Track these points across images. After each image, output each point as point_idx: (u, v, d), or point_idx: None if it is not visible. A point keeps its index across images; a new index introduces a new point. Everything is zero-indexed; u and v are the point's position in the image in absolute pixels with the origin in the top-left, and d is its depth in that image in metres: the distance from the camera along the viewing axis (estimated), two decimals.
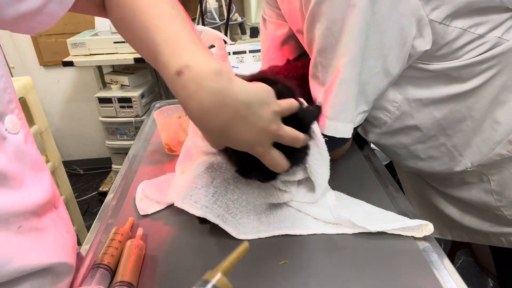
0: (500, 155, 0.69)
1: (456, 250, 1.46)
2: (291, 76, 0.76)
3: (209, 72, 0.44)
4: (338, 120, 0.65)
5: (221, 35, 0.81)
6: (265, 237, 0.58)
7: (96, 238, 0.62)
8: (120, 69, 2.33)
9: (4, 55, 0.45)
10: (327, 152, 0.64)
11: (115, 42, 2.11)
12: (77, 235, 0.54)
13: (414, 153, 0.77)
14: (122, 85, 2.23)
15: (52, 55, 2.51)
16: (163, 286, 0.52)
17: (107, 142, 2.30)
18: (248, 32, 2.05)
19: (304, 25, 0.64)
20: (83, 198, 2.55)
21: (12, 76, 1.55)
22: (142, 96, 2.20)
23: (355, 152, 0.83)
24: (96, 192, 2.58)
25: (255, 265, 0.53)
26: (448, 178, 0.79)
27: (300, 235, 0.59)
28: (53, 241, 0.44)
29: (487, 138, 0.70)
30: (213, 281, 0.31)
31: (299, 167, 0.62)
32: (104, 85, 2.31)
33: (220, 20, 1.95)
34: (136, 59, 2.07)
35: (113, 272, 0.52)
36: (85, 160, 2.90)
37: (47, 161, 1.62)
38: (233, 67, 1.38)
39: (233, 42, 1.97)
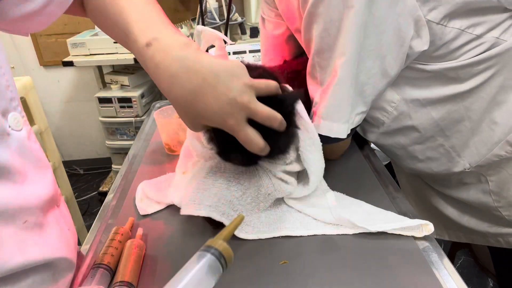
0: (498, 156, 0.69)
1: (456, 250, 1.46)
2: (283, 72, 0.76)
3: (177, 43, 0.47)
4: (333, 120, 0.65)
5: (221, 35, 0.81)
6: (265, 238, 0.58)
7: (96, 238, 0.62)
8: (120, 69, 2.33)
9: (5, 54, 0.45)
10: (318, 137, 0.63)
11: (115, 42, 2.11)
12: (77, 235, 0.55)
13: (412, 154, 0.77)
14: (122, 85, 2.23)
15: (52, 55, 2.51)
16: (163, 286, 0.52)
17: (107, 142, 2.30)
18: (248, 32, 2.05)
19: (302, 25, 0.65)
20: (83, 198, 2.55)
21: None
22: (142, 96, 2.20)
23: (355, 152, 0.83)
24: (96, 192, 2.58)
25: (255, 265, 0.53)
26: (446, 178, 0.80)
27: (301, 236, 0.59)
28: (55, 237, 0.45)
29: (485, 139, 0.70)
30: (217, 246, 0.35)
31: (287, 154, 0.61)
32: (104, 85, 2.31)
33: (220, 20, 1.95)
34: (136, 59, 2.07)
35: (113, 272, 0.52)
36: (85, 160, 2.90)
37: None
38: None
39: (233, 42, 1.98)
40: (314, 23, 0.62)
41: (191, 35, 2.06)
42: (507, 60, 0.64)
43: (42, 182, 0.45)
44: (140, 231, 0.60)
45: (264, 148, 0.51)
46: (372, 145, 0.88)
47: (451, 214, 0.84)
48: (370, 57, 0.62)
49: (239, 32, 2.05)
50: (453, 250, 1.46)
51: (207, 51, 0.86)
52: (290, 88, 0.60)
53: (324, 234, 0.58)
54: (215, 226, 0.59)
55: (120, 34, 0.53)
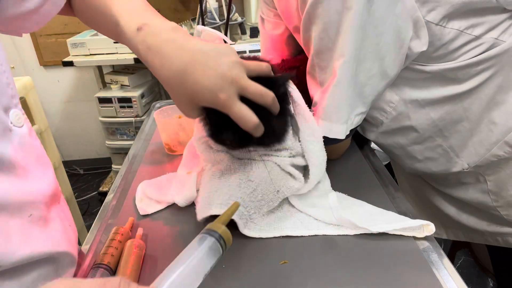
0: (497, 156, 0.70)
1: (456, 250, 1.46)
2: (281, 69, 0.76)
3: (167, 27, 0.50)
4: (332, 121, 0.65)
5: (221, 35, 0.81)
6: (266, 238, 0.58)
7: (96, 238, 0.62)
8: (120, 69, 2.33)
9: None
10: (317, 127, 0.64)
11: (115, 42, 2.11)
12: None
13: (411, 153, 0.77)
14: (122, 85, 2.23)
15: (52, 55, 2.51)
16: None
17: (107, 142, 2.30)
18: (248, 32, 2.05)
19: (301, 25, 0.65)
20: (83, 198, 2.55)
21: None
22: (142, 96, 2.20)
23: (355, 152, 0.83)
24: (96, 192, 2.58)
25: (255, 265, 0.53)
26: (445, 178, 0.80)
27: (301, 236, 0.59)
28: (58, 232, 0.46)
29: (484, 139, 0.70)
30: (216, 229, 0.37)
31: (283, 141, 0.61)
32: (104, 85, 2.32)
33: (220, 20, 1.95)
34: (136, 59, 2.07)
35: (113, 272, 0.52)
36: (85, 160, 2.90)
37: None
38: None
39: (233, 42, 1.98)
40: (313, 24, 0.62)
41: (191, 35, 2.06)
42: (506, 60, 0.64)
43: (44, 177, 0.46)
44: (140, 231, 0.60)
45: (258, 125, 0.50)
46: (372, 145, 0.88)
47: (450, 212, 0.84)
48: (369, 58, 0.62)
49: (239, 32, 2.06)
50: (453, 250, 1.46)
51: None
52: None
53: (325, 235, 0.58)
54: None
55: (109, 24, 0.54)
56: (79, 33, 2.30)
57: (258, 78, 0.51)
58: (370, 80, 0.64)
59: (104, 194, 2.42)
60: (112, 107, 2.19)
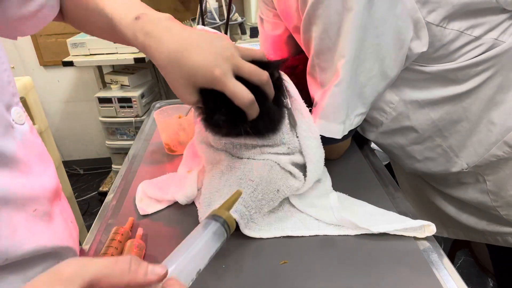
0: (496, 156, 0.70)
1: (456, 250, 1.46)
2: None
3: (163, 17, 0.53)
4: (329, 120, 0.65)
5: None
6: (266, 238, 0.58)
7: (96, 238, 0.62)
8: (120, 69, 2.33)
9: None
10: (312, 121, 0.64)
11: (115, 42, 2.11)
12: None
13: (411, 154, 0.77)
14: (122, 85, 2.23)
15: (52, 55, 2.51)
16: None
17: (107, 142, 2.30)
18: (248, 32, 2.05)
19: (301, 26, 0.65)
20: (83, 198, 2.55)
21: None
22: (142, 96, 2.20)
23: (355, 152, 0.83)
24: (96, 192, 2.58)
25: (255, 265, 0.53)
26: (444, 178, 0.80)
27: (302, 236, 0.59)
28: (62, 227, 0.47)
29: (483, 139, 0.70)
30: (220, 214, 0.39)
31: (278, 131, 0.61)
32: (104, 85, 2.31)
33: (220, 20, 1.95)
34: (136, 59, 2.07)
35: None
36: (85, 160, 2.90)
37: None
38: None
39: (233, 42, 1.97)
40: (313, 25, 0.62)
41: None
42: (506, 61, 0.64)
43: (46, 173, 0.47)
44: (140, 231, 0.60)
45: (253, 102, 0.50)
46: (372, 145, 0.88)
47: (450, 212, 0.85)
48: (369, 59, 0.62)
49: (239, 32, 2.06)
50: (453, 250, 1.46)
51: None
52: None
53: (325, 235, 0.58)
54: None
55: (102, 20, 0.56)
56: (79, 33, 2.30)
57: (252, 62, 0.52)
58: (370, 80, 0.64)
59: (104, 194, 2.42)
60: (112, 107, 2.19)
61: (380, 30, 0.60)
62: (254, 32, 2.03)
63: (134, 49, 2.03)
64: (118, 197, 0.72)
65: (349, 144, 0.80)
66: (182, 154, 0.81)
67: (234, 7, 1.99)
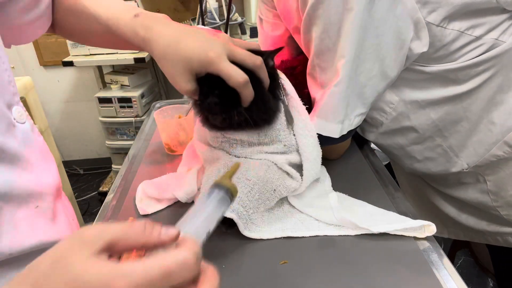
0: (496, 156, 0.70)
1: (456, 250, 1.46)
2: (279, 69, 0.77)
3: (160, 16, 0.56)
4: (327, 119, 0.65)
5: None
6: (267, 238, 0.58)
7: None
8: (120, 69, 2.33)
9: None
10: (309, 119, 0.64)
11: (110, 47, 2.11)
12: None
13: (411, 154, 0.77)
14: (122, 85, 2.23)
15: (52, 55, 2.51)
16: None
17: (107, 142, 2.30)
18: (248, 32, 2.05)
19: (301, 26, 0.65)
20: (83, 198, 2.55)
21: None
22: (142, 96, 2.20)
23: (355, 152, 0.83)
24: (96, 192, 2.58)
25: (255, 265, 0.53)
26: (444, 178, 0.80)
27: (302, 236, 0.58)
28: (64, 224, 0.48)
29: (483, 139, 0.70)
30: (223, 183, 0.40)
31: (273, 123, 0.61)
32: (104, 85, 2.31)
33: (220, 20, 1.95)
34: (136, 59, 2.07)
35: None
36: (85, 160, 2.90)
37: None
38: None
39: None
40: (314, 25, 0.62)
41: None
42: (506, 61, 0.64)
43: (48, 171, 0.47)
44: None
45: (247, 82, 0.52)
46: (372, 145, 0.88)
47: (450, 212, 0.85)
48: (369, 59, 0.62)
49: (239, 32, 2.06)
50: (453, 250, 1.46)
51: None
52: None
53: (325, 235, 0.58)
54: (227, 225, 0.58)
55: (98, 27, 0.58)
56: None
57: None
58: (371, 81, 0.64)
59: (104, 194, 2.42)
60: (112, 107, 2.19)
61: (380, 31, 0.60)
62: (254, 32, 2.03)
63: None
64: (118, 197, 0.72)
65: (349, 144, 0.80)
66: (182, 154, 0.81)
67: (234, 7, 1.99)
